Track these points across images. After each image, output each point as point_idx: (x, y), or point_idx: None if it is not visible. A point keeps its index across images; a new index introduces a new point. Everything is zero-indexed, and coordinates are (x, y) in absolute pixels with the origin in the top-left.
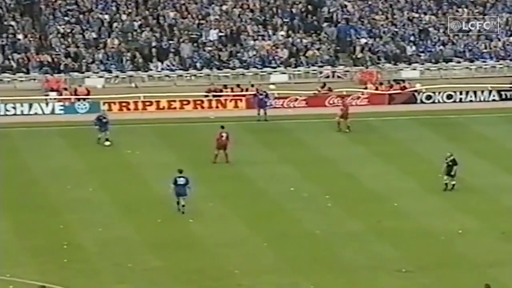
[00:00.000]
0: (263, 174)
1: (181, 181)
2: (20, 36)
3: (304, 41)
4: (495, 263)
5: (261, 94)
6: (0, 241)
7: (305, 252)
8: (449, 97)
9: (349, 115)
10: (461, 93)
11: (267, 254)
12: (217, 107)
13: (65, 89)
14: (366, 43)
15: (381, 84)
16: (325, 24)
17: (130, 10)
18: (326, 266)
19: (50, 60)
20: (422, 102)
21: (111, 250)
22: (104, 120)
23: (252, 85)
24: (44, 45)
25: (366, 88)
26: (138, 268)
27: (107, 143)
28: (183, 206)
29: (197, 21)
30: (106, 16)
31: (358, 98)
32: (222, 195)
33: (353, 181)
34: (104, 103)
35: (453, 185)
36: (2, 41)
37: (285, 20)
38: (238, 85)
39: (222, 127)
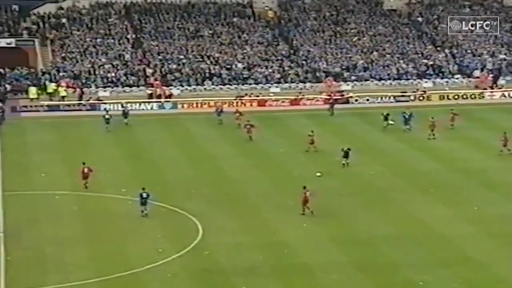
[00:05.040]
0: (268, 143)
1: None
2: (134, 66)
3: (289, 69)
4: (391, 189)
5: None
6: (124, 176)
7: (290, 177)
8: (367, 100)
9: (244, 114)
10: (373, 98)
11: (272, 183)
12: (240, 105)
13: (159, 95)
14: (323, 70)
15: (331, 93)
16: (300, 60)
17: (194, 52)
18: (301, 183)
19: (151, 79)
20: (352, 103)
21: (184, 182)
22: (126, 111)
23: (260, 93)
24: (148, 72)
25: (322, 95)
26: (196, 192)
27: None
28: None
29: (230, 58)
30: (181, 56)
31: (317, 100)
32: (244, 154)
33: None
34: (180, 103)
35: (348, 163)
36: (130, 72)
37: (278, 58)
38: (252, 93)
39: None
